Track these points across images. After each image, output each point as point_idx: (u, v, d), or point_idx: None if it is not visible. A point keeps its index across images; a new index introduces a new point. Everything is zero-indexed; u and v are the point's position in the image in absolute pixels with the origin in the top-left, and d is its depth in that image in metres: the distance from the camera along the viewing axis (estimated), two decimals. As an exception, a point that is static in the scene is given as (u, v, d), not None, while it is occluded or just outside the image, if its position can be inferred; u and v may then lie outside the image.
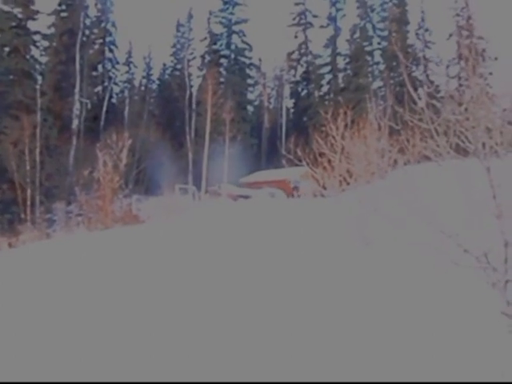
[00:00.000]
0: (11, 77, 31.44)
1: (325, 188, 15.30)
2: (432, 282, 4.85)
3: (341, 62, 43.91)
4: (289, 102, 50.17)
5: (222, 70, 42.73)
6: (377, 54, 41.64)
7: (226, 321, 4.16)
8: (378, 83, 39.98)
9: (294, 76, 48.66)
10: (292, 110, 49.70)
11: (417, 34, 42.04)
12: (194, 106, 40.99)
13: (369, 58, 41.31)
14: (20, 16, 32.66)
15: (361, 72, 39.48)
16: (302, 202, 19.42)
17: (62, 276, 7.52)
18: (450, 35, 38.64)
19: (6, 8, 32.71)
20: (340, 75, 43.89)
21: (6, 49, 32.38)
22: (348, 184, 13.61)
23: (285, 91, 49.96)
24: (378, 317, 3.98)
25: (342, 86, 42.25)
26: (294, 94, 48.61)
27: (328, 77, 44.77)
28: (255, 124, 45.64)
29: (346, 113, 14.79)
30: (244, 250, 7.93)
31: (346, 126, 14.03)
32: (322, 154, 16.28)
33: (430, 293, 4.42)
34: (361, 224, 7.19)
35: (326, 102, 38.75)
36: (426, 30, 42.22)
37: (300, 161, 16.24)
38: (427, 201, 5.58)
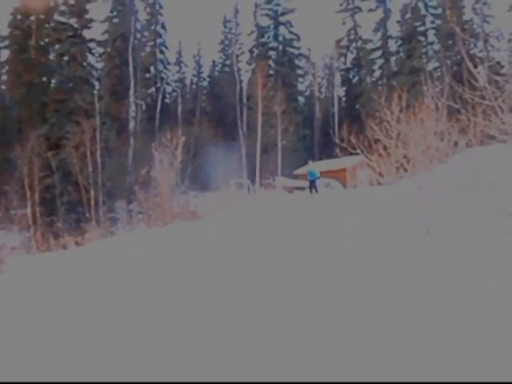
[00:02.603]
0: (70, 84, 33.05)
1: (382, 175, 14.89)
2: (501, 271, 4.55)
3: (392, 45, 42.45)
4: (340, 91, 49.26)
5: (270, 62, 42.56)
6: (431, 33, 39.81)
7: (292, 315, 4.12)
8: (433, 64, 38.19)
9: (344, 63, 47.66)
10: (344, 99, 48.72)
11: (474, 8, 39.69)
12: (244, 100, 41.21)
13: (422, 39, 39.59)
14: (75, 26, 34.21)
15: (414, 54, 37.91)
16: (358, 191, 19.01)
17: (126, 270, 7.79)
18: (512, 7, 36.21)
19: (63, 19, 34.44)
20: (392, 59, 42.44)
21: (65, 58, 34.04)
22: (406, 171, 13.14)
23: (335, 79, 49.03)
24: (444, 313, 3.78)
25: (394, 69, 40.84)
26: (345, 82, 47.63)
27: (380, 61, 43.44)
28: (307, 115, 45.19)
29: (400, 97, 14.28)
30: (304, 240, 7.84)
31: (401, 110, 13.56)
32: (377, 141, 15.83)
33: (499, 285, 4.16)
34: (421, 211, 6.89)
35: (379, 88, 37.54)
36: (484, 4, 39.73)
37: (354, 149, 15.89)
38: (493, 185, 5.25)
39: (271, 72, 40.89)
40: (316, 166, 35.50)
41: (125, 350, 3.83)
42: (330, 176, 31.49)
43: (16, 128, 31.66)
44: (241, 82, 44.25)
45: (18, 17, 38.55)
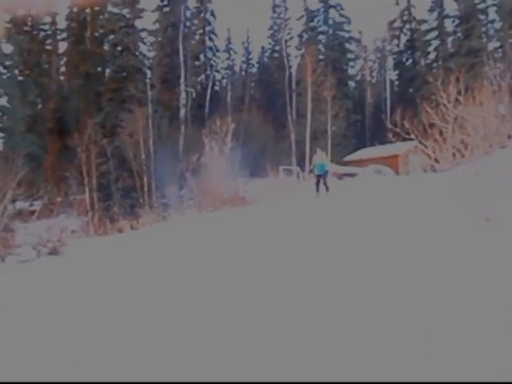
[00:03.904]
0: (124, 74, 34.01)
1: (437, 162, 14.40)
2: None
3: (449, 25, 40.36)
4: (392, 74, 47.62)
5: (320, 46, 41.87)
6: (491, 11, 37.54)
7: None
8: (494, 44, 36.16)
9: (398, 46, 45.98)
10: (396, 83, 47.15)
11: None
12: (293, 86, 40.87)
13: (482, 17, 37.43)
14: (128, 16, 35.06)
15: (473, 33, 35.95)
16: (412, 178, 18.42)
17: (177, 252, 8.00)
18: None
19: (116, 10, 35.40)
20: (449, 39, 40.50)
21: (118, 48, 35.03)
22: (463, 156, 12.69)
23: (388, 63, 47.43)
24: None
25: (451, 50, 38.97)
26: (398, 65, 46.00)
27: (435, 43, 41.58)
28: (357, 100, 44.18)
29: (458, 79, 13.70)
30: (360, 227, 7.74)
31: (458, 93, 13.02)
32: (432, 126, 15.32)
33: None
34: (479, 198, 6.62)
35: (434, 70, 36.01)
36: (552, -23, 36.96)
37: (408, 134, 15.44)
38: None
39: (321, 57, 40.23)
40: (365, 153, 34.99)
41: (180, 328, 3.96)
42: (381, 162, 30.81)
43: (74, 117, 33.00)
44: (290, 67, 43.89)
45: (75, 10, 40.02)
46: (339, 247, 6.44)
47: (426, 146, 15.54)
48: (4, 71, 31.76)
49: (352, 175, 29.77)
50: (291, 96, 40.72)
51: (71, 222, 21.39)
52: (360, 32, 49.00)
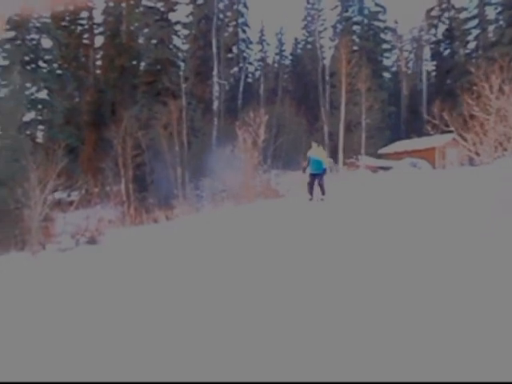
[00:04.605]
0: (158, 67, 34.45)
1: (478, 155, 13.97)
2: None
3: (491, 13, 38.87)
4: (429, 65, 46.29)
5: (354, 37, 41.10)
6: (537, -4, 35.94)
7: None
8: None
9: (435, 35, 44.63)
10: (433, 73, 45.87)
11: None
12: (327, 77, 40.38)
13: (527, 4, 35.90)
14: (162, 9, 35.42)
15: (517, 21, 34.57)
16: (450, 171, 17.90)
17: (209, 241, 8.07)
18: None
19: (150, 4, 35.83)
20: (490, 28, 39.06)
21: (153, 41, 35.46)
22: (505, 150, 12.28)
23: (424, 53, 46.14)
24: None
25: (492, 39, 37.57)
26: (436, 55, 44.67)
27: (475, 31, 40.18)
28: (393, 91, 43.18)
29: (501, 68, 13.23)
30: (396, 223, 7.58)
31: (502, 83, 12.57)
32: (472, 117, 14.87)
33: None
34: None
35: (474, 60, 34.82)
36: None
37: (447, 126, 15.03)
38: None
39: (355, 48, 39.45)
40: (400, 146, 34.27)
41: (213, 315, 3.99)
42: (417, 155, 30.16)
43: (110, 109, 33.70)
44: (323, 59, 43.37)
45: (111, 4, 40.72)
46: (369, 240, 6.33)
47: (465, 139, 15.11)
48: (44, 65, 32.70)
49: (386, 168, 29.31)
50: (324, 88, 40.27)
51: (107, 212, 21.97)
52: (396, 21, 47.78)
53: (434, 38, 44.82)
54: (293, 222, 9.27)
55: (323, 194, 11.94)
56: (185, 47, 38.06)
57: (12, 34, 32.02)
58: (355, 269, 4.86)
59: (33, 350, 3.73)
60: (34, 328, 4.32)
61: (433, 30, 44.63)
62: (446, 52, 43.29)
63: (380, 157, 33.79)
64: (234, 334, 3.51)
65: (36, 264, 9.87)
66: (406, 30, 51.70)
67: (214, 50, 37.91)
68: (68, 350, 3.60)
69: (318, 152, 12.23)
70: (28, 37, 32.16)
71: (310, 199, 12.03)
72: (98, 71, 41.32)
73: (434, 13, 43.77)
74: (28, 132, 28.77)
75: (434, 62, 45.23)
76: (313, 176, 12.00)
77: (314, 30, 46.57)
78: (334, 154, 33.25)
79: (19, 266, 9.81)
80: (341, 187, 17.76)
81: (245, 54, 46.50)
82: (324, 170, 12.12)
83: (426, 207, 8.40)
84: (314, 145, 12.50)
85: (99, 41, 41.37)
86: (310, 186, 12.05)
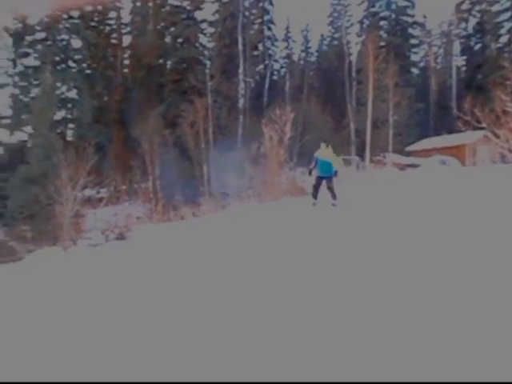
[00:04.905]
0: (184, 65, 34.75)
1: (511, 152, 13.57)
2: None
3: (524, 5, 37.77)
4: (458, 60, 45.22)
5: (382, 33, 40.50)
6: None
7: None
8: None
9: (465, 29, 43.58)
10: (463, 69, 44.79)
11: None
12: (353, 74, 39.97)
13: (562, -5, 34.72)
14: (188, 8, 35.71)
15: (552, 13, 33.44)
16: (481, 169, 17.43)
17: (237, 237, 8.07)
18: None
19: (177, 2, 36.16)
20: (524, 21, 37.90)
21: (179, 40, 35.78)
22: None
23: (454, 48, 45.08)
24: None
25: (526, 33, 36.47)
26: (466, 50, 43.59)
27: (508, 25, 38.98)
28: (421, 87, 42.36)
29: (537, 61, 12.82)
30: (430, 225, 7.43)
31: (538, 76, 12.18)
32: (505, 113, 14.49)
33: None
34: None
35: (506, 55, 33.81)
36: None
37: (479, 122, 14.65)
38: None
39: (382, 43, 38.87)
40: (429, 143, 33.61)
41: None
42: (446, 153, 29.54)
43: (137, 108, 34.13)
44: (350, 55, 42.92)
45: (138, 4, 41.27)
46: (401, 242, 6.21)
47: (497, 136, 14.71)
48: (73, 65, 33.39)
49: (414, 166, 28.81)
50: (351, 84, 39.87)
51: (135, 209, 22.29)
52: (424, 16, 46.93)
53: (464, 32, 43.80)
54: (319, 221, 9.20)
55: (334, 198, 10.93)
56: (210, 45, 38.28)
57: (43, 35, 32.84)
58: (383, 269, 4.78)
59: (68, 336, 3.80)
60: (66, 316, 4.41)
61: (463, 24, 43.62)
62: (477, 46, 42.20)
63: (408, 154, 33.23)
64: (252, 329, 3.49)
65: (68, 258, 10.06)
66: (434, 24, 50.64)
67: (240, 47, 37.99)
68: (99, 338, 3.66)
69: (326, 153, 11.16)
70: (58, 37, 32.91)
71: (314, 204, 11.14)
72: (126, 70, 41.93)
73: (464, 6, 42.74)
74: (58, 130, 29.41)
75: (464, 57, 44.16)
76: (320, 179, 11.06)
77: (340, 25, 46.18)
78: (360, 152, 32.89)
79: (52, 260, 10.01)
80: (367, 185, 17.59)
81: (270, 52, 46.44)
82: (335, 173, 11.03)
83: (458, 207, 8.20)
84: (322, 145, 11.30)
85: (127, 40, 42.03)
86: (315, 189, 11.17)
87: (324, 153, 11.10)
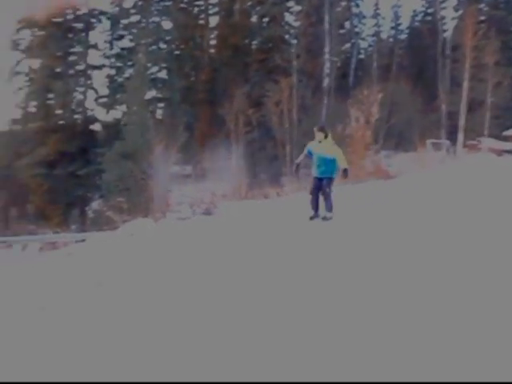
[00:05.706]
0: (270, 44, 34.71)
1: None
2: None
3: None
4: None
5: (482, 6, 37.40)
6: None
7: None
8: None
9: None
10: None
11: None
12: (448, 52, 37.48)
13: None
14: (276, -14, 35.37)
15: None
16: None
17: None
18: None
19: (263, -19, 35.91)
20: None
21: (265, 19, 35.72)
22: None
23: None
24: None
25: None
26: None
27: None
28: (526, 66, 38.82)
29: None
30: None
31: None
32: None
33: None
34: None
35: None
36: None
37: None
38: None
39: (483, 17, 35.89)
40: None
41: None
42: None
43: (223, 88, 34.75)
44: (444, 31, 40.29)
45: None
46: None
47: None
48: (164, 46, 34.68)
49: (512, 152, 26.75)
50: (444, 63, 37.43)
51: (220, 186, 22.90)
52: (532, -13, 42.59)
53: None
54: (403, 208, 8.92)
55: (329, 209, 7.84)
56: (296, 24, 37.75)
57: (137, 17, 34.39)
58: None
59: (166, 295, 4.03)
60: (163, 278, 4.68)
61: None
62: None
63: (506, 139, 30.77)
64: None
65: (160, 229, 10.61)
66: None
67: (326, 25, 37.06)
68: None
69: (325, 145, 7.87)
70: (150, 20, 34.25)
71: (311, 217, 8.08)
72: (212, 50, 42.70)
73: None
74: (150, 109, 30.90)
75: None
76: (318, 181, 7.93)
77: (434, 0, 43.32)
78: (452, 136, 31.05)
79: (146, 231, 10.63)
80: (458, 171, 16.77)
81: (357, 30, 44.85)
82: (333, 174, 7.96)
83: None
84: (318, 134, 7.89)
85: (214, 21, 42.69)
86: (314, 195, 8.08)
87: (322, 145, 7.89)
